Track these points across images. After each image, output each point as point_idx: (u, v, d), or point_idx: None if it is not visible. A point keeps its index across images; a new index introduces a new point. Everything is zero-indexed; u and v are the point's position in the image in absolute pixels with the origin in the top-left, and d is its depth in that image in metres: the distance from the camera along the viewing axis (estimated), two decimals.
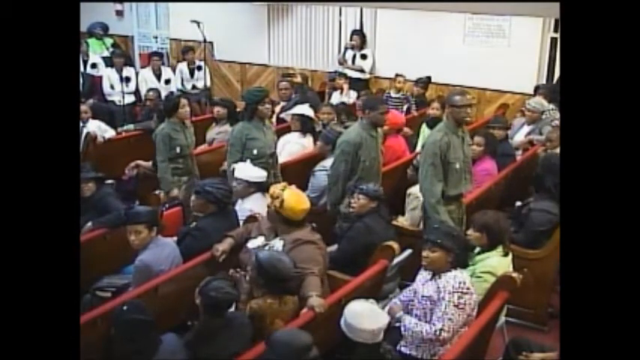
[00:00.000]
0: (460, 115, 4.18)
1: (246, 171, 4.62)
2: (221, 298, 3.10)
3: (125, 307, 2.98)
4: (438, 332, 3.21)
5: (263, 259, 3.33)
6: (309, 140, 6.07)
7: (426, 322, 3.31)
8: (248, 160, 4.76)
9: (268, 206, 3.83)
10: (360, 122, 4.78)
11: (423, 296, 3.35)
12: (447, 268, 3.32)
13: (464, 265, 3.41)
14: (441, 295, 3.26)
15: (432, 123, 6.26)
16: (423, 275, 3.45)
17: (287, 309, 3.34)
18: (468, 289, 3.27)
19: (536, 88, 7.22)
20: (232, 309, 3.28)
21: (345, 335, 2.95)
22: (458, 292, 3.23)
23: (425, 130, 6.47)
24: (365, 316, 2.94)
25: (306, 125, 6.10)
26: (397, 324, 3.40)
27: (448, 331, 3.19)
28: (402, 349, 3.36)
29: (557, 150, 5.32)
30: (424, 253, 3.36)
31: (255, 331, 3.23)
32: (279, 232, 3.77)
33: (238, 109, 6.35)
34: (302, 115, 6.13)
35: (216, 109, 6.56)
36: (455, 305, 3.22)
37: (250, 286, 3.42)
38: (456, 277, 3.29)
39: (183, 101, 5.18)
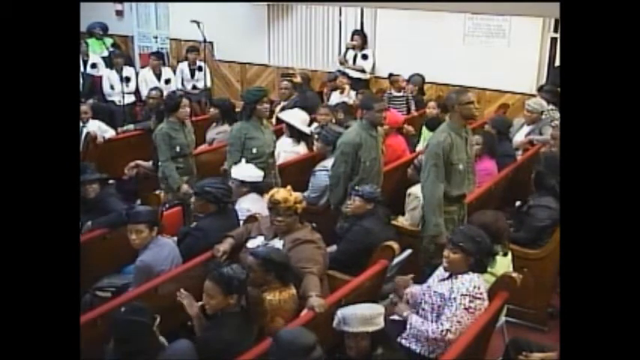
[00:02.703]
0: (471, 112, 4.20)
1: (241, 171, 4.63)
2: (245, 278, 3.16)
3: (123, 309, 2.96)
4: (444, 332, 3.20)
5: (264, 253, 3.41)
6: (302, 147, 6.01)
7: (432, 319, 3.31)
8: (243, 160, 4.76)
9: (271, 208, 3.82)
10: (359, 122, 4.78)
11: (435, 292, 3.34)
12: (464, 271, 3.29)
13: (482, 270, 3.35)
14: (452, 296, 3.23)
15: (430, 123, 6.28)
16: (441, 272, 3.43)
17: (287, 306, 3.35)
18: (481, 294, 3.24)
19: (540, 88, 7.22)
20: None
21: (348, 335, 2.99)
22: (470, 295, 3.20)
23: (425, 131, 6.48)
24: (359, 307, 3.06)
25: (293, 131, 6.02)
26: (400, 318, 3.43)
27: (454, 332, 3.17)
28: (403, 341, 3.37)
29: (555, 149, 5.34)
30: (445, 253, 3.34)
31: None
32: (278, 232, 3.77)
33: (237, 109, 6.35)
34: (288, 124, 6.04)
35: (211, 109, 6.59)
36: (465, 309, 3.19)
37: (250, 287, 3.43)
38: (472, 280, 3.25)
39: (185, 101, 5.21)
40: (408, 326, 3.34)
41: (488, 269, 3.60)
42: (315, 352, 2.64)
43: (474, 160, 4.55)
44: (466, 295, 3.21)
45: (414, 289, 3.59)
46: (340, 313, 3.09)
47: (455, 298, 3.22)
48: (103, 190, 4.63)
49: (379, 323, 3.04)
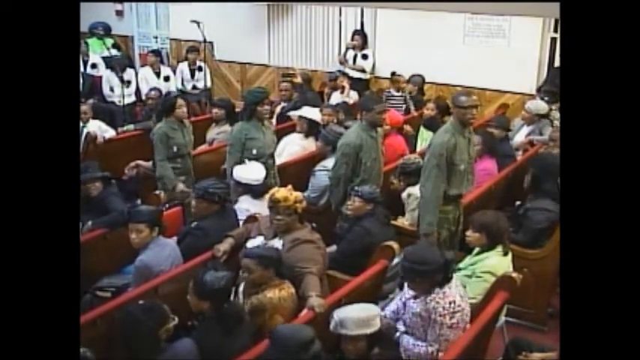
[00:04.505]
0: (466, 117, 4.16)
1: (240, 171, 4.63)
2: (224, 286, 3.13)
3: (135, 308, 2.95)
4: (435, 353, 3.16)
5: (259, 252, 3.44)
6: (310, 142, 6.07)
7: (420, 336, 3.25)
8: (246, 160, 4.76)
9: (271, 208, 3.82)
10: (359, 123, 4.79)
11: (413, 312, 3.26)
12: (433, 289, 3.18)
13: (447, 282, 3.20)
14: (432, 317, 3.16)
15: (428, 124, 6.31)
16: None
17: (286, 305, 3.36)
18: (459, 306, 3.17)
19: (539, 88, 7.23)
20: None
21: (349, 338, 2.98)
22: (449, 313, 3.14)
23: (423, 131, 6.49)
24: (354, 309, 3.06)
25: (312, 128, 6.11)
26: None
27: (445, 350, 3.13)
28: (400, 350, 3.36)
29: (556, 150, 5.35)
30: (405, 282, 3.30)
31: (255, 328, 3.24)
32: (278, 232, 3.78)
33: (237, 109, 6.36)
34: (309, 119, 6.13)
35: (214, 110, 6.59)
36: (449, 327, 3.14)
37: (249, 286, 3.43)
38: (445, 296, 3.16)
39: (180, 101, 5.20)
40: (401, 349, 3.29)
41: (489, 269, 3.61)
42: (314, 347, 2.64)
43: (474, 160, 4.55)
44: (445, 314, 3.14)
45: (393, 306, 3.49)
46: (337, 316, 3.07)
47: (435, 320, 3.15)
48: (106, 189, 4.61)
49: (376, 324, 3.03)
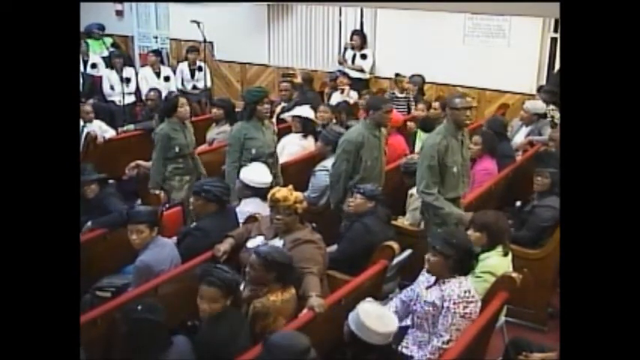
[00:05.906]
0: (460, 118, 4.17)
1: (249, 173, 4.61)
2: (231, 279, 3.15)
3: (139, 307, 2.94)
4: (446, 343, 3.17)
5: (266, 252, 3.36)
6: (309, 142, 6.08)
7: (428, 328, 3.27)
8: (252, 163, 4.75)
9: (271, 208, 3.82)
10: (363, 122, 4.80)
11: (425, 301, 3.30)
12: (448, 275, 3.25)
13: (465, 272, 3.29)
14: (445, 305, 3.20)
15: (422, 124, 6.35)
16: (426, 277, 3.40)
17: (288, 306, 3.35)
18: (473, 297, 3.22)
19: (540, 88, 7.23)
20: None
21: (353, 336, 2.92)
22: (464, 301, 3.17)
23: (419, 132, 6.51)
24: (377, 318, 2.91)
25: (306, 127, 6.11)
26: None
27: (456, 340, 3.14)
28: (404, 350, 3.36)
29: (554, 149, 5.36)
30: (426, 256, 3.32)
31: (258, 331, 3.24)
32: (279, 232, 3.78)
33: (237, 109, 6.36)
34: (302, 117, 6.14)
35: (214, 110, 6.59)
36: (461, 316, 3.17)
37: (252, 287, 3.42)
38: (461, 284, 3.22)
39: (182, 100, 5.19)
40: (407, 350, 3.30)
41: (489, 269, 3.61)
42: (309, 355, 2.56)
43: (469, 161, 4.57)
44: (459, 302, 3.17)
45: (402, 298, 3.53)
46: (358, 316, 2.89)
47: (449, 307, 3.18)
48: (103, 190, 4.60)
49: (387, 341, 2.94)
